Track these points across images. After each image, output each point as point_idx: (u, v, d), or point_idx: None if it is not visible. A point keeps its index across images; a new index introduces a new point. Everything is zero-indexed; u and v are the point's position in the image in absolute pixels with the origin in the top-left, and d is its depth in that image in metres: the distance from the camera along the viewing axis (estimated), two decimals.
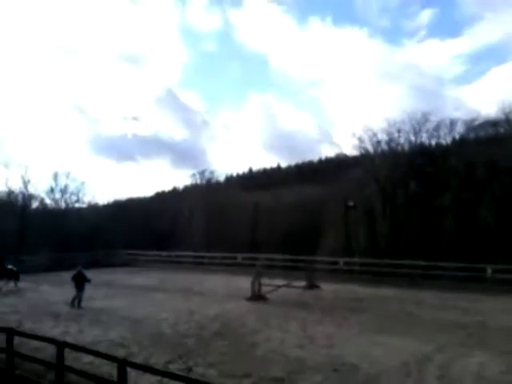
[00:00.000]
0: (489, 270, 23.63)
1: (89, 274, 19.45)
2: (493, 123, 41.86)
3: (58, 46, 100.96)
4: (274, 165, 77.45)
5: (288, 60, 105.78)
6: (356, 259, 30.38)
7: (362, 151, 46.85)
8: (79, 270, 19.02)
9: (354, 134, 52.04)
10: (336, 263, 29.96)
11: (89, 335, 13.33)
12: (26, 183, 45.44)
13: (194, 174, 61.72)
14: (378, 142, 45.15)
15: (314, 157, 73.70)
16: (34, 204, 48.59)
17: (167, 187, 74.16)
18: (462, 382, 9.25)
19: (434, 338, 12.69)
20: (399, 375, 9.75)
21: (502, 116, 40.27)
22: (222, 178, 67.29)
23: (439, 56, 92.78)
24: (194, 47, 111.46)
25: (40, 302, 19.38)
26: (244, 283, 20.84)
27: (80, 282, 18.51)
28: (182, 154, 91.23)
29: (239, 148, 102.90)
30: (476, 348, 11.71)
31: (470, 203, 39.10)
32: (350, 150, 53.14)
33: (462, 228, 37.79)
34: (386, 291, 21.61)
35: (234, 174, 74.32)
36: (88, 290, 18.93)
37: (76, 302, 18.25)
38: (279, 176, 70.24)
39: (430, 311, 16.79)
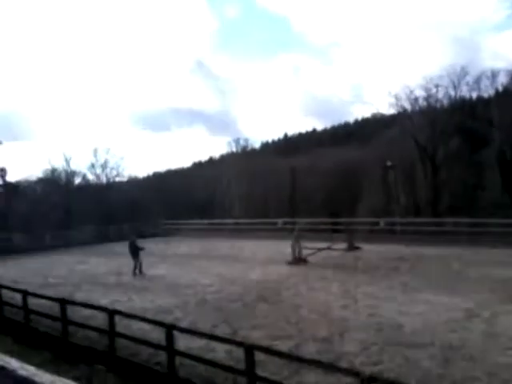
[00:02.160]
0: None
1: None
2: None
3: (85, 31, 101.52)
4: (310, 128, 76.53)
5: (312, 20, 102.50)
6: (397, 219, 29.96)
7: (400, 109, 45.64)
8: (133, 239, 19.85)
9: (390, 93, 50.66)
10: (376, 224, 29.64)
11: (137, 303, 13.86)
12: (68, 160, 46.92)
13: (229, 143, 61.96)
14: (416, 99, 43.82)
15: (349, 118, 72.50)
16: (77, 180, 50.26)
17: (204, 157, 74.83)
18: (507, 337, 9.12)
19: (479, 295, 12.50)
20: (444, 331, 9.70)
21: None
22: (257, 145, 67.31)
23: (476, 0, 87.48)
24: (220, 14, 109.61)
25: (89, 273, 20.25)
26: (285, 248, 21.00)
27: (135, 251, 19.26)
28: (216, 122, 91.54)
29: (273, 113, 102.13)
30: None
31: None
32: (387, 108, 51.65)
33: (508, 183, 36.60)
34: (429, 250, 21.28)
35: (270, 141, 74.07)
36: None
37: (137, 270, 19.05)
38: (315, 139, 69.48)
39: (474, 268, 16.44)
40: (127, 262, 19.65)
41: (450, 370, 7.81)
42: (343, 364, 7.96)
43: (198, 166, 68.89)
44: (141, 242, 20.50)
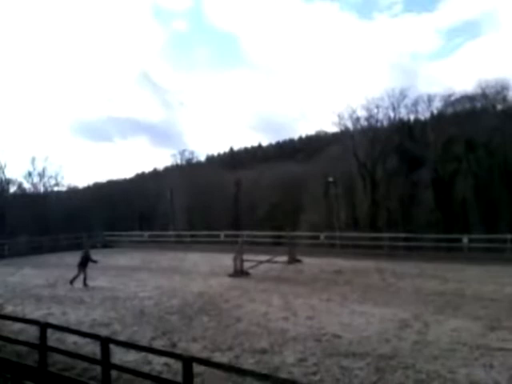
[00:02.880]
0: (465, 240, 24.25)
1: (71, 256, 19.38)
2: (470, 98, 42.39)
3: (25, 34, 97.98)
4: (255, 143, 77.41)
5: (259, 38, 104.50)
6: (337, 233, 30.73)
7: (342, 128, 47.22)
8: (87, 250, 19.53)
9: (333, 111, 52.12)
10: (317, 238, 30.30)
11: (72, 316, 13.33)
12: (2, 168, 44.77)
13: (174, 155, 61.63)
14: (357, 119, 45.52)
15: (294, 135, 73.95)
16: (12, 189, 48.00)
17: (147, 168, 73.64)
18: (437, 346, 9.56)
19: (412, 307, 13.03)
20: (379, 341, 10.02)
21: (478, 91, 40.74)
22: (202, 158, 67.19)
23: (415, 31, 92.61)
24: (167, 28, 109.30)
25: (21, 285, 19.28)
26: (227, 260, 20.99)
27: (85, 263, 18.70)
28: (160, 134, 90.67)
29: (219, 127, 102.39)
30: (452, 315, 12.07)
31: (448, 177, 39.82)
32: (330, 127, 53.39)
33: (440, 201, 38.50)
34: (367, 263, 21.97)
35: (215, 154, 74.11)
36: (71, 272, 18.89)
37: (82, 280, 18.35)
38: (260, 154, 70.37)
39: (409, 281, 17.16)
40: (63, 274, 18.93)
41: (385, 377, 8.07)
42: (282, 375, 8.03)
43: (140, 178, 67.69)
44: (77, 255, 19.83)
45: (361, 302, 14.00)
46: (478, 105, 42.66)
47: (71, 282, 18.31)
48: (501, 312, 12.12)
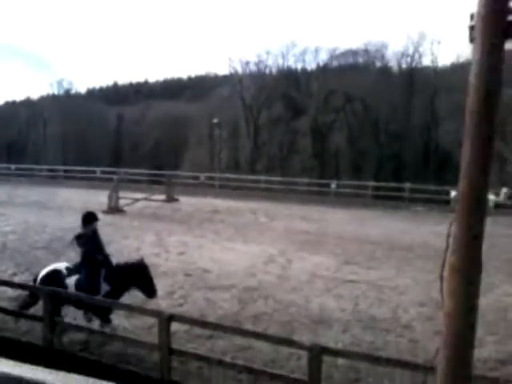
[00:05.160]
0: (333, 185, 26.14)
1: None
2: (353, 53, 44.48)
3: None
4: (141, 79, 73.91)
5: None
6: (217, 174, 31.15)
7: (232, 71, 47.05)
8: None
9: (224, 53, 51.35)
10: (197, 178, 30.48)
11: None
12: None
13: (51, 84, 56.74)
14: (247, 63, 45.57)
15: (183, 73, 71.88)
16: None
17: (20, 96, 67.03)
18: (297, 279, 10.40)
19: (280, 244, 13.86)
20: (246, 275, 10.61)
21: (361, 47, 42.82)
22: (83, 91, 62.72)
23: None
24: None
25: None
26: (102, 197, 20.22)
27: None
28: (36, 61, 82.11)
29: (102, 60, 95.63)
30: (314, 252, 13.09)
31: (326, 127, 42.04)
32: (220, 68, 52.83)
33: (317, 149, 40.71)
34: (244, 204, 22.68)
35: (97, 87, 69.60)
36: None
37: None
38: (146, 90, 67.71)
39: (280, 221, 18.13)
40: None
41: (246, 308, 8.63)
42: (149, 307, 8.18)
43: (10, 106, 61.59)
44: None
45: (233, 239, 14.55)
46: (361, 60, 45.04)
47: None
48: (355, 249, 13.42)
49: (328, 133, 42.04)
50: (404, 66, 42.73)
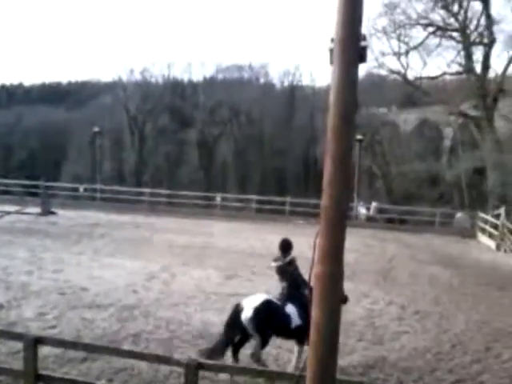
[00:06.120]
0: (218, 199, 26.43)
1: None
2: (238, 68, 45.78)
3: None
4: (15, 82, 68.73)
5: None
6: (98, 186, 29.75)
7: (115, 78, 45.76)
8: None
9: (107, 60, 49.68)
10: (77, 190, 28.90)
11: None
12: None
13: None
14: (132, 71, 44.68)
15: (63, 78, 68.13)
16: None
17: None
18: (180, 294, 10.23)
19: (163, 259, 13.56)
20: (126, 293, 10.18)
21: (246, 62, 44.24)
22: None
23: None
24: None
25: None
26: None
27: None
28: None
29: None
30: (197, 266, 13.01)
31: (212, 139, 42.51)
32: (103, 75, 51.04)
33: (204, 161, 40.94)
34: (127, 218, 21.94)
35: None
36: None
37: None
38: (21, 94, 63.27)
39: (164, 235, 17.76)
40: None
41: (126, 326, 8.25)
42: (18, 329, 7.51)
43: None
44: None
45: (113, 255, 13.96)
46: (245, 75, 46.43)
47: None
48: (238, 263, 13.57)
49: (215, 145, 42.50)
50: (286, 83, 44.79)
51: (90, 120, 39.83)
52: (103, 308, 9.16)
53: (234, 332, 6.31)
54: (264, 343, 6.25)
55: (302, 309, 6.17)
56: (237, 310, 6.31)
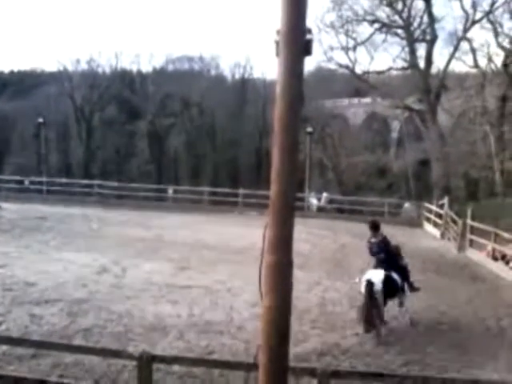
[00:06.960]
0: (170, 191, 26.16)
1: None
2: (189, 59, 45.27)
3: None
4: None
5: None
6: (44, 178, 28.76)
7: (60, 67, 44.21)
8: None
9: (51, 49, 47.85)
10: (22, 182, 27.89)
11: None
12: None
13: None
14: (78, 61, 43.27)
15: (4, 67, 64.83)
16: None
17: None
18: (131, 287, 10.11)
19: (114, 252, 13.29)
20: (76, 287, 9.96)
21: (197, 53, 43.91)
22: None
23: None
24: None
25: None
26: None
27: None
28: None
29: None
30: (149, 258, 12.86)
31: (163, 131, 41.90)
32: (47, 65, 49.17)
33: (155, 153, 40.32)
34: (75, 210, 21.37)
35: None
36: None
37: None
38: None
39: (115, 228, 17.45)
40: None
41: (76, 321, 8.09)
42: None
43: None
44: None
45: (61, 248, 13.58)
46: (196, 67, 45.97)
47: None
48: (190, 254, 13.51)
49: (166, 137, 41.88)
50: (237, 76, 44.67)
51: (35, 111, 38.30)
52: (52, 303, 8.93)
53: (372, 301, 7.81)
54: (384, 304, 8.04)
55: (400, 273, 8.31)
56: (370, 286, 7.84)
